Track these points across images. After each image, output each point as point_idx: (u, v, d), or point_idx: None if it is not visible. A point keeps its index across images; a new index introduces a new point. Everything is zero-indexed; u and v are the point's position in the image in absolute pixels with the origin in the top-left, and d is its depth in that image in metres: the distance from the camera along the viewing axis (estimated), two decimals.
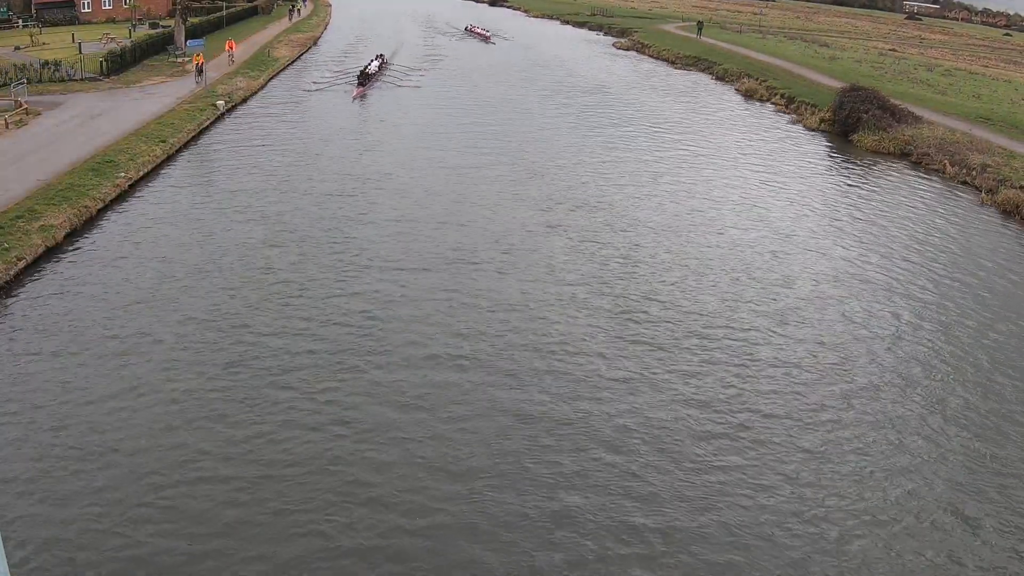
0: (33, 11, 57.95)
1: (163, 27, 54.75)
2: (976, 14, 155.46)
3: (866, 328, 18.04)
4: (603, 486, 12.18)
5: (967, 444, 13.92)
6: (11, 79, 33.91)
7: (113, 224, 21.67)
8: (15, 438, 12.48)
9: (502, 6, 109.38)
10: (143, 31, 54.02)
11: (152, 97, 35.07)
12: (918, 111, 39.23)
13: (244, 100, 38.13)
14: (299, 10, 76.27)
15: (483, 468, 12.45)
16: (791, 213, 25.85)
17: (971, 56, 77.49)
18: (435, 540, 10.94)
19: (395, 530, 11.07)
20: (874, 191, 29.47)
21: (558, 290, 18.80)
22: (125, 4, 63.18)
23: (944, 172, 32.18)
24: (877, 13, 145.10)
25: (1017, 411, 15.11)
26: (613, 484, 12.24)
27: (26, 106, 30.62)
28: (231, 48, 46.49)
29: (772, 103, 45.54)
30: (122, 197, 23.61)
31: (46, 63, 38.23)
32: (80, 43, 45.81)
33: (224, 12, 63.89)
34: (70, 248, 19.86)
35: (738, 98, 47.71)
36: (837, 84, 44.55)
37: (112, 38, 49.06)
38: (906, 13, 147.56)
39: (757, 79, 49.93)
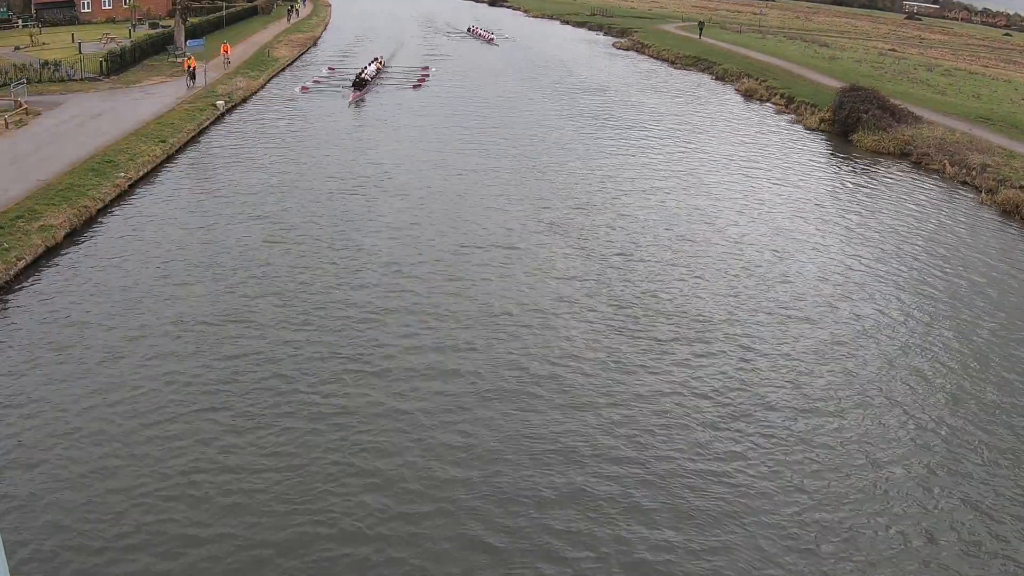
0: (33, 11, 57.96)
1: (163, 27, 54.76)
2: (976, 14, 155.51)
3: (865, 327, 18.03)
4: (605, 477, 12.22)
5: (966, 440, 13.92)
6: (11, 79, 33.92)
7: (113, 224, 21.66)
8: (15, 438, 12.48)
9: (502, 6, 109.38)
10: (143, 31, 54.03)
11: (152, 97, 35.07)
12: (918, 111, 39.23)
13: (244, 100, 38.12)
14: (297, 10, 76.19)
15: (485, 462, 12.46)
16: (790, 212, 25.84)
17: (971, 56, 77.50)
18: (444, 518, 10.97)
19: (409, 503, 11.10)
20: (874, 191, 29.47)
21: (559, 287, 18.81)
22: (125, 4, 63.19)
23: (944, 172, 32.18)
24: (877, 13, 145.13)
25: (1017, 410, 15.11)
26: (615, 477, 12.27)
27: (26, 106, 30.63)
28: (226, 51, 45.07)
29: (772, 103, 45.54)
30: (122, 197, 23.61)
31: (46, 63, 38.24)
32: (80, 43, 45.83)
33: (224, 12, 63.88)
34: (70, 248, 19.86)
35: (738, 98, 47.72)
36: (837, 84, 44.55)
37: (112, 38, 49.07)
38: (906, 13, 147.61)
39: (757, 79, 49.94)
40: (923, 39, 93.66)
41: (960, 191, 30.22)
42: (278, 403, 13.81)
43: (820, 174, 31.48)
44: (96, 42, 47.66)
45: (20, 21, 56.06)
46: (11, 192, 21.83)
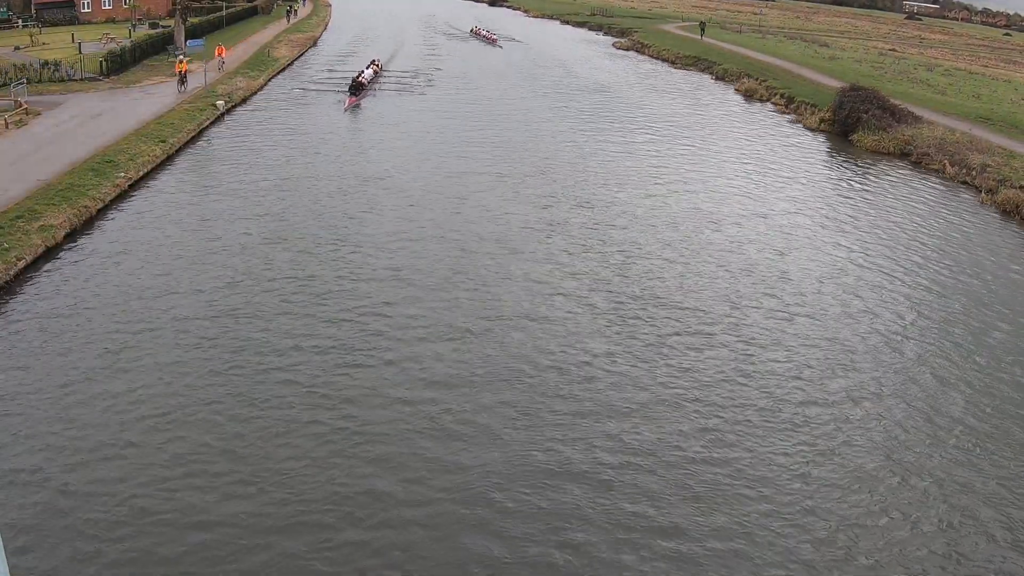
0: (33, 11, 57.96)
1: (163, 27, 54.75)
2: (976, 14, 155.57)
3: (865, 326, 18.03)
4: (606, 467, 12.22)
5: (965, 433, 13.93)
6: (11, 79, 33.90)
7: (113, 224, 21.66)
8: (15, 437, 12.48)
9: (502, 6, 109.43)
10: (143, 31, 54.01)
11: (152, 97, 35.05)
12: (918, 111, 39.23)
13: (244, 100, 38.12)
14: (296, 11, 76.14)
15: (486, 464, 12.46)
16: (791, 212, 25.84)
17: (971, 56, 77.53)
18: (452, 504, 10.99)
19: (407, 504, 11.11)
20: (874, 191, 29.47)
21: (559, 284, 18.84)
22: (125, 4, 63.18)
23: (944, 172, 32.18)
24: (877, 13, 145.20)
25: (1018, 408, 15.11)
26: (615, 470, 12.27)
27: (26, 106, 30.62)
28: (221, 54, 43.45)
29: (772, 103, 45.55)
30: (122, 197, 23.60)
31: (46, 63, 38.22)
32: (80, 43, 45.82)
33: (224, 12, 63.89)
34: (70, 248, 19.86)
35: (738, 98, 47.74)
36: (837, 84, 44.55)
37: (112, 38, 49.06)
38: (906, 13, 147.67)
39: (757, 79, 49.95)
40: (923, 39, 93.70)
41: (960, 191, 30.22)
42: (278, 400, 13.83)
43: (820, 174, 31.49)
44: (96, 42, 47.65)
45: (20, 21, 56.05)
46: (11, 192, 21.83)
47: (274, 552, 10.60)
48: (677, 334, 17.07)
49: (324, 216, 22.75)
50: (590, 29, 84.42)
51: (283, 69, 48.00)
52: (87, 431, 12.73)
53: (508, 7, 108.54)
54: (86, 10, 61.50)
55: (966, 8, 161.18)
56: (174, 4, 64.80)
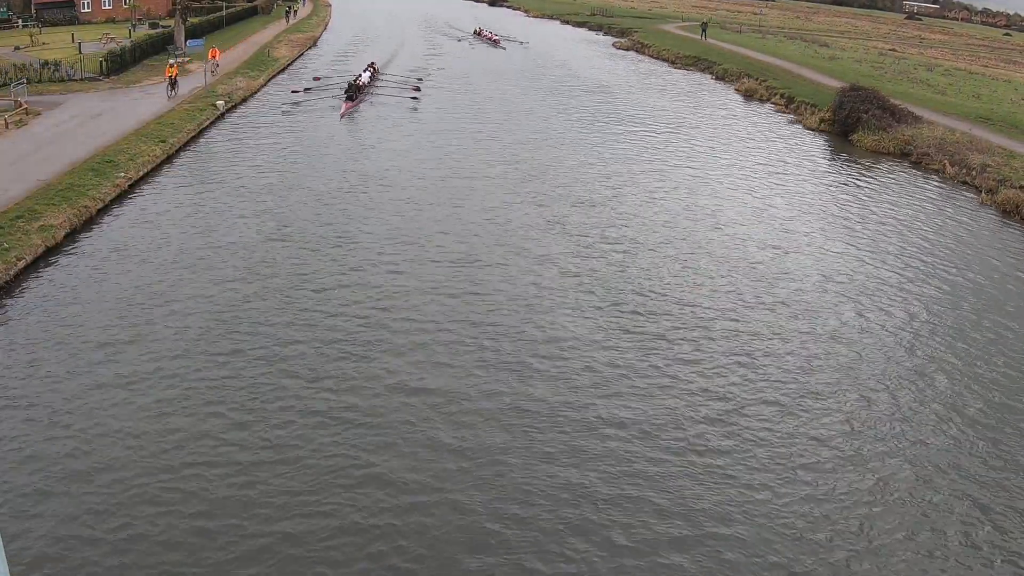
0: (33, 11, 57.97)
1: (163, 27, 54.76)
2: (976, 14, 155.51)
3: (865, 326, 18.03)
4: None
5: (965, 434, 13.93)
6: (11, 79, 33.90)
7: (113, 224, 21.66)
8: (15, 437, 12.48)
9: (501, 6, 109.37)
10: (143, 31, 54.03)
11: (152, 97, 35.04)
12: (918, 111, 39.22)
13: (244, 100, 38.11)
14: (296, 11, 76.08)
15: (486, 457, 12.47)
16: (790, 212, 25.85)
17: (971, 56, 77.50)
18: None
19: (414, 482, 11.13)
20: (874, 191, 29.47)
21: (560, 280, 18.84)
22: (125, 4, 63.19)
23: (944, 172, 32.17)
24: (877, 13, 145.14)
25: (1018, 408, 15.11)
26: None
27: (26, 106, 30.62)
28: (215, 56, 41.76)
29: (772, 103, 45.54)
30: (122, 197, 23.61)
31: (46, 63, 38.23)
32: (80, 43, 45.82)
33: (224, 12, 63.89)
34: (70, 248, 19.86)
35: (738, 98, 47.73)
36: (837, 84, 44.54)
37: (112, 38, 49.06)
38: (906, 13, 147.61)
39: (757, 79, 49.94)
40: (923, 39, 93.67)
41: (960, 191, 30.22)
42: (279, 398, 13.85)
43: (820, 174, 31.48)
44: (96, 42, 47.66)
45: (20, 21, 56.06)
46: (11, 192, 21.83)
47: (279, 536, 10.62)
48: (677, 331, 17.07)
49: (325, 214, 22.74)
50: (590, 29, 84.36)
51: (283, 69, 48.00)
52: (87, 430, 12.74)
53: (508, 7, 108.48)
54: (86, 10, 61.52)
55: (966, 8, 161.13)
56: (174, 4, 64.83)
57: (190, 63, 42.72)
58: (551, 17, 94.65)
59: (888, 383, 15.76)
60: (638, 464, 12.76)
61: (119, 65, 40.51)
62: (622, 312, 17.89)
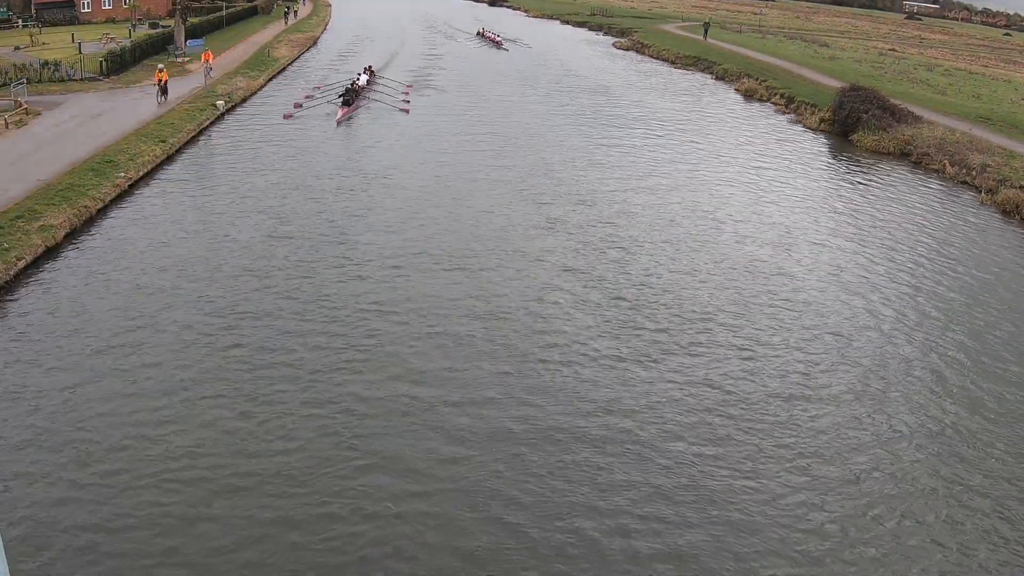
0: (33, 11, 57.99)
1: (163, 27, 54.76)
2: (976, 14, 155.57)
3: (865, 325, 18.04)
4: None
5: (965, 439, 13.94)
6: (11, 79, 33.91)
7: (113, 224, 21.66)
8: (16, 436, 12.49)
9: (501, 6, 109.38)
10: (143, 31, 54.04)
11: (152, 97, 34.98)
12: (918, 111, 39.23)
13: (244, 100, 38.11)
14: (296, 12, 76.01)
15: (486, 450, 12.48)
16: (790, 212, 25.84)
17: (971, 56, 77.53)
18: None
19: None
20: (874, 191, 29.47)
21: (560, 277, 18.85)
22: (125, 4, 63.21)
23: (944, 172, 32.18)
24: (877, 13, 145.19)
25: (1017, 409, 15.12)
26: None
27: (26, 106, 30.63)
28: (208, 59, 39.70)
29: (772, 103, 45.54)
30: (122, 197, 23.61)
31: (46, 63, 38.23)
32: (80, 43, 45.84)
33: (224, 12, 63.90)
34: (70, 248, 19.86)
35: (738, 98, 47.73)
36: (837, 84, 44.55)
37: (112, 38, 49.08)
38: (906, 13, 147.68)
39: (757, 79, 49.94)
40: (923, 39, 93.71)
41: (960, 191, 30.22)
42: (280, 393, 13.88)
43: (820, 174, 31.49)
44: (96, 42, 47.68)
45: (20, 21, 56.08)
46: (11, 192, 21.83)
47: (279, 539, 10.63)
48: (677, 327, 17.07)
49: (326, 213, 22.74)
50: (590, 29, 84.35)
51: (283, 69, 48.00)
52: (88, 430, 12.74)
53: (508, 7, 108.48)
54: (86, 10, 61.53)
55: (966, 8, 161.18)
56: (174, 4, 64.85)
57: (190, 63, 42.70)
58: (551, 17, 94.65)
59: (889, 380, 15.76)
60: (644, 452, 12.77)
61: (119, 65, 40.51)
62: (620, 308, 17.89)
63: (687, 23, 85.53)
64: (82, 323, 16.05)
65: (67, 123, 29.80)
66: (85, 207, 21.70)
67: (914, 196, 29.11)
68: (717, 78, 54.25)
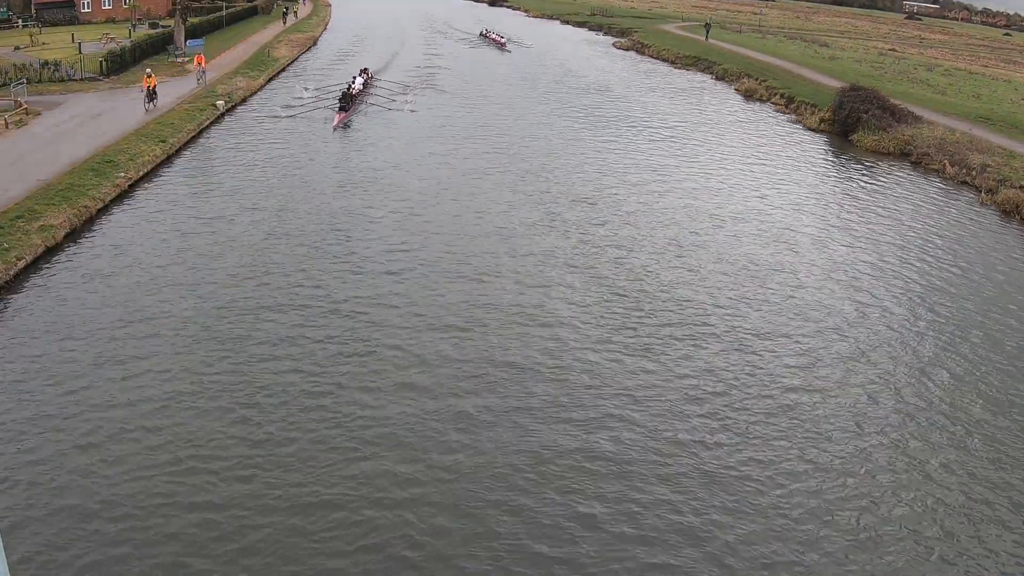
0: (33, 11, 58.02)
1: (163, 27, 54.78)
2: (976, 14, 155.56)
3: (865, 325, 18.04)
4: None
5: (966, 438, 13.95)
6: (11, 79, 33.93)
7: (113, 224, 21.66)
8: (16, 436, 12.49)
9: (501, 6, 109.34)
10: (143, 31, 54.05)
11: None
12: (918, 111, 39.22)
13: (244, 100, 38.09)
14: (296, 12, 75.95)
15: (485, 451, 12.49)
16: (790, 212, 25.84)
17: (971, 56, 77.53)
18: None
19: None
20: (874, 191, 29.47)
21: (560, 276, 18.86)
22: (125, 4, 63.23)
23: (944, 172, 32.17)
24: (877, 13, 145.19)
25: (1018, 406, 15.12)
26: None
27: (26, 106, 30.63)
28: (200, 63, 38.75)
29: (772, 103, 45.53)
30: (122, 197, 23.61)
31: (46, 63, 38.24)
32: (80, 43, 45.86)
33: (224, 12, 63.90)
34: (70, 248, 19.86)
35: (738, 98, 47.72)
36: (837, 84, 44.54)
37: (112, 38, 49.10)
38: (906, 13, 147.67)
39: (757, 79, 49.93)
40: (923, 39, 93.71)
41: (960, 191, 30.22)
42: (280, 392, 13.88)
43: (820, 174, 31.48)
44: (96, 42, 47.69)
45: (20, 21, 56.10)
46: (11, 192, 21.84)
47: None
48: (678, 326, 17.07)
49: (326, 212, 22.74)
50: (590, 29, 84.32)
51: (283, 69, 47.98)
52: (88, 429, 12.75)
53: (508, 7, 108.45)
54: (86, 10, 61.55)
55: (966, 8, 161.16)
56: (174, 4, 64.87)
57: (189, 63, 42.70)
58: (551, 17, 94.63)
59: (888, 380, 15.77)
60: (639, 454, 12.79)
61: (119, 65, 40.52)
62: (621, 306, 17.90)
63: (687, 23, 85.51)
64: (82, 322, 16.06)
65: (67, 123, 29.80)
66: (85, 207, 21.70)
67: (914, 196, 29.11)
68: (717, 78, 54.24)
